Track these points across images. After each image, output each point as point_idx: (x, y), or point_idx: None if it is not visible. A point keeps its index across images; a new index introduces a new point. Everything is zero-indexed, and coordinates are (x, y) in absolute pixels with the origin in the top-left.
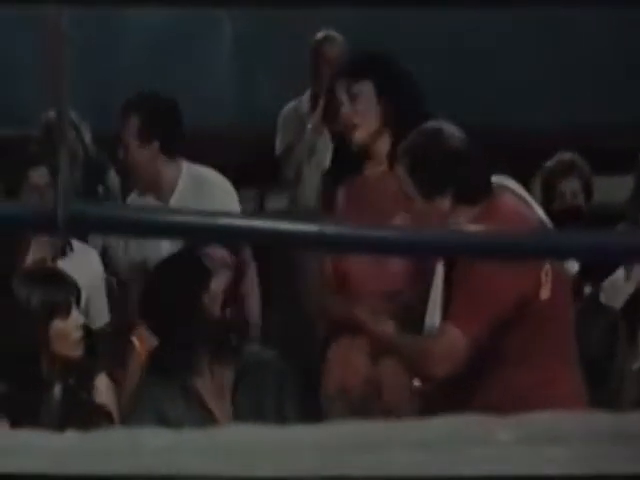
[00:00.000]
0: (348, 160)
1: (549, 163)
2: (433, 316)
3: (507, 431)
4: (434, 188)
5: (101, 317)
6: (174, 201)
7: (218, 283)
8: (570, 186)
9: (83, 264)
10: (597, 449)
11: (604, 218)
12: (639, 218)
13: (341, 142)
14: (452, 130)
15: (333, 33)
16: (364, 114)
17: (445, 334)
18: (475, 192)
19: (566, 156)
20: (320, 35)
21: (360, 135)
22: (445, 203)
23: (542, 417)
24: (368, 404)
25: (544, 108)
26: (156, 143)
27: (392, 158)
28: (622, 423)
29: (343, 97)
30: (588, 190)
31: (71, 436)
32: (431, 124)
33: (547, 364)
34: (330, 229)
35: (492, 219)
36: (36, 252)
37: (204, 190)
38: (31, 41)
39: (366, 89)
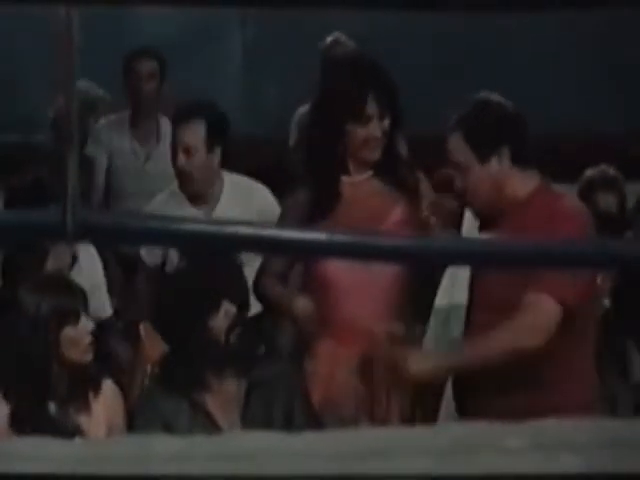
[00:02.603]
0: (334, 165)
1: (589, 173)
2: (447, 298)
3: (517, 438)
4: (490, 148)
5: (104, 311)
6: (219, 211)
7: (229, 308)
8: (605, 200)
9: (84, 265)
10: (608, 456)
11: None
12: None
13: (331, 144)
14: (500, 98)
15: (342, 37)
16: (385, 135)
17: (538, 304)
18: (529, 154)
19: (609, 171)
20: (329, 39)
21: (374, 157)
22: (502, 165)
23: (552, 424)
24: (358, 419)
25: (564, 114)
26: (218, 151)
27: (376, 165)
28: (633, 430)
29: (374, 113)
30: (623, 207)
31: (79, 443)
32: (479, 95)
33: (576, 362)
34: (340, 237)
35: (551, 195)
36: (53, 263)
37: (248, 198)
38: (38, 41)
39: (390, 113)
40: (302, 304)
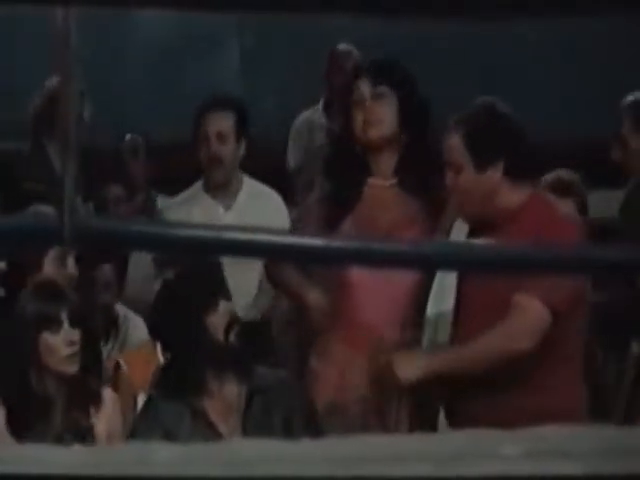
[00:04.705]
0: (352, 173)
1: (547, 178)
2: (436, 305)
3: (514, 445)
4: (488, 157)
5: None
6: (235, 209)
7: (227, 305)
8: (564, 205)
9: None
10: (605, 464)
11: (608, 233)
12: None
13: (346, 150)
14: (505, 107)
15: (348, 45)
16: (385, 113)
17: (528, 307)
18: (525, 168)
19: (566, 175)
20: (335, 47)
21: (377, 133)
22: (495, 176)
23: (549, 431)
24: (365, 422)
25: (551, 119)
26: (243, 145)
27: (399, 173)
28: (631, 438)
29: (366, 93)
30: (583, 211)
31: (79, 450)
32: (485, 99)
33: (565, 368)
34: (340, 243)
35: (544, 204)
36: (50, 268)
37: (262, 205)
38: (37, 42)
39: (389, 93)
40: (315, 296)
